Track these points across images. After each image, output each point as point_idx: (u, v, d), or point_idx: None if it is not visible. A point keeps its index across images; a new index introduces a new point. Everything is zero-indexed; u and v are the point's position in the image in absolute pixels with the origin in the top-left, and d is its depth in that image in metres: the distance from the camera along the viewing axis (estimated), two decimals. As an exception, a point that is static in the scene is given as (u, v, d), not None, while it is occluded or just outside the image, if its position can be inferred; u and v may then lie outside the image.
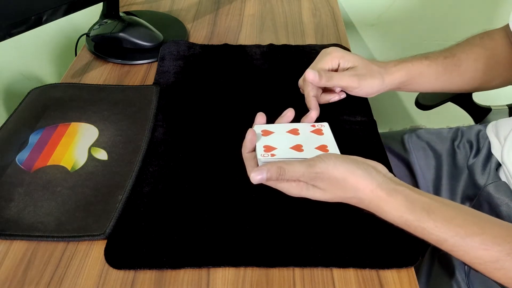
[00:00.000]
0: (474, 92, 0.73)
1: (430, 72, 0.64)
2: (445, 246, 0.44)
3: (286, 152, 0.51)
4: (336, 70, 0.65)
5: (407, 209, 0.44)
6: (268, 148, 0.51)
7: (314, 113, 0.59)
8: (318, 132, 0.55)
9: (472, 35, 0.68)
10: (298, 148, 0.52)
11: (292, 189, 0.49)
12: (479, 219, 0.45)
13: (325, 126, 0.56)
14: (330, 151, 0.52)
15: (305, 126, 0.56)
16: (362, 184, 0.45)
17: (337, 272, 0.50)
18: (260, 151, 0.51)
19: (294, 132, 0.55)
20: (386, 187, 0.45)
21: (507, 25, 0.66)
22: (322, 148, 0.52)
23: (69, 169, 0.60)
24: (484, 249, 0.42)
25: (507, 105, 0.88)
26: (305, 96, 0.63)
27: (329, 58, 0.64)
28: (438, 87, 0.67)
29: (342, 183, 0.46)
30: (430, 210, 0.44)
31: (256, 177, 0.48)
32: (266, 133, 0.54)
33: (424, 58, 0.64)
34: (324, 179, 0.46)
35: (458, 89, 0.69)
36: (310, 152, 0.51)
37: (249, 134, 0.53)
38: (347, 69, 0.64)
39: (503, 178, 0.63)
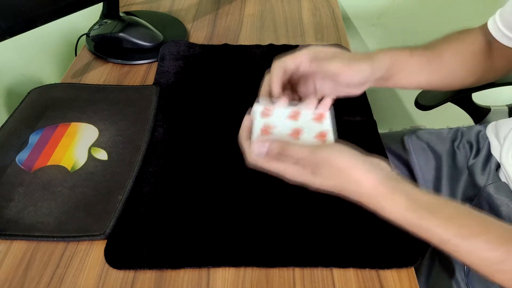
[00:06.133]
0: (454, 89, 0.72)
1: (413, 62, 0.62)
2: (448, 247, 0.43)
3: (284, 138, 0.50)
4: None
5: (409, 207, 0.43)
6: (265, 132, 0.50)
7: (328, 100, 0.54)
8: (320, 118, 0.53)
9: (451, 32, 0.67)
10: (296, 134, 0.50)
11: (291, 171, 0.47)
12: (482, 219, 0.44)
13: (327, 112, 0.54)
14: (328, 140, 0.50)
15: (306, 111, 0.54)
16: (364, 178, 0.44)
17: (337, 272, 0.50)
18: (256, 133, 0.50)
19: (295, 116, 0.53)
20: (388, 184, 0.44)
21: (485, 25, 0.66)
22: (321, 136, 0.51)
23: (69, 169, 0.60)
24: (489, 249, 0.41)
25: (507, 105, 0.88)
26: (270, 79, 0.56)
27: (304, 51, 0.56)
28: (422, 81, 0.65)
29: (344, 173, 0.45)
30: (432, 209, 0.43)
31: (258, 148, 0.46)
32: (266, 114, 0.53)
33: (406, 49, 0.62)
34: (325, 166, 0.45)
35: (440, 85, 0.67)
36: (307, 141, 0.50)
37: (246, 121, 0.51)
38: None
39: (503, 179, 0.63)
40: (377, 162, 0.47)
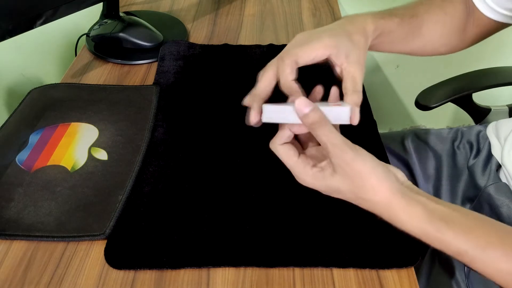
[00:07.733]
0: (423, 56, 0.70)
1: (398, 33, 0.59)
2: (465, 258, 0.42)
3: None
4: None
5: (426, 219, 0.42)
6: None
7: (334, 89, 0.51)
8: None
9: None
10: None
11: (309, 173, 0.45)
12: (497, 229, 0.43)
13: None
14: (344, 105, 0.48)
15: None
16: (381, 188, 0.43)
17: (337, 272, 0.50)
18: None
19: None
20: (405, 195, 0.43)
21: None
22: (338, 105, 0.48)
23: (69, 169, 0.60)
24: (505, 261, 0.41)
25: (507, 105, 0.88)
26: (283, 82, 0.50)
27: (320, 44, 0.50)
28: (401, 49, 0.62)
29: (365, 179, 0.43)
30: (449, 221, 0.42)
31: (300, 105, 0.43)
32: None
33: (394, 15, 0.59)
34: (348, 165, 0.43)
35: (414, 52, 0.64)
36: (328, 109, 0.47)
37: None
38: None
39: (504, 179, 0.63)
40: (395, 172, 0.46)
